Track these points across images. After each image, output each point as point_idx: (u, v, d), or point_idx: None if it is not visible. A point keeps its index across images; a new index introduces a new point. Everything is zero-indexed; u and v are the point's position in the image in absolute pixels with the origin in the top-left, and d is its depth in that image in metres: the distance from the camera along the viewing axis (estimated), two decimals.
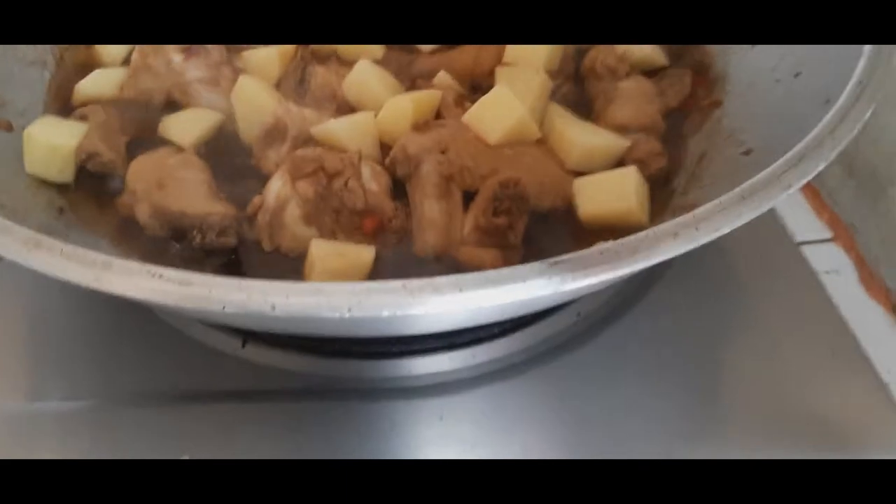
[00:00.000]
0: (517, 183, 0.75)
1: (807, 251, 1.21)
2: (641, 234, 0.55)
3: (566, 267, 0.54)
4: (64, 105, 0.92)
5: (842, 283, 1.17)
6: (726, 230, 0.57)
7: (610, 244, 0.55)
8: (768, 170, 0.60)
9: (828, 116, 0.63)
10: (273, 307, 0.52)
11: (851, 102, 0.65)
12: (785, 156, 0.60)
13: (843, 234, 1.24)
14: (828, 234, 1.25)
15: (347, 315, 0.51)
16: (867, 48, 0.71)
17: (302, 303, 0.52)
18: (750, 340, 0.86)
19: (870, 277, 1.18)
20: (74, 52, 0.98)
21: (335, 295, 0.52)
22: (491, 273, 0.53)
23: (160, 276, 0.53)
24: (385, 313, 0.52)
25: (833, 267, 1.20)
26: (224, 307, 0.52)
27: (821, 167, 0.60)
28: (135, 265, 0.54)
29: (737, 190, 0.58)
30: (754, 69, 0.88)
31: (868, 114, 0.64)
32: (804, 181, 0.59)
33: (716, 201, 0.58)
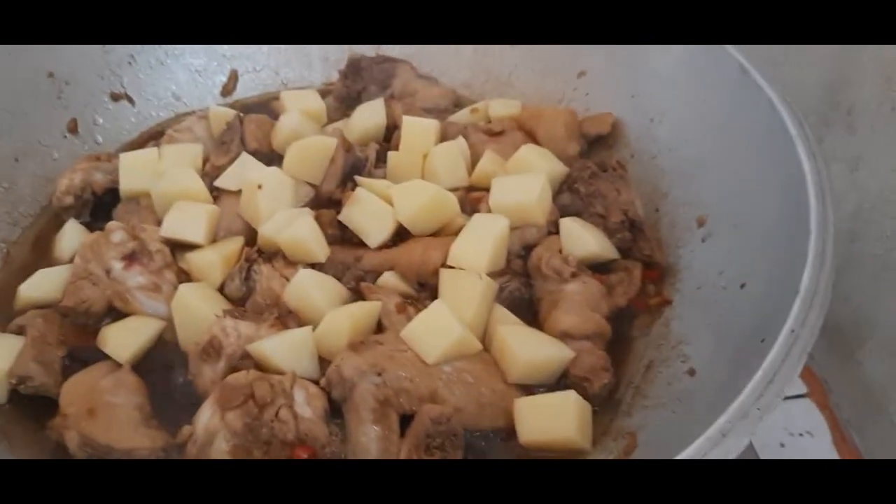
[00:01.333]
0: (449, 419, 0.72)
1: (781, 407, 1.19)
2: None
3: None
4: (4, 310, 0.90)
5: (815, 444, 1.14)
6: None
7: None
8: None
9: (752, 382, 0.60)
10: None
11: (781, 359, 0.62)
12: (708, 431, 0.58)
13: (818, 389, 1.21)
14: (803, 390, 1.22)
15: None
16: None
17: None
18: None
19: (842, 440, 1.15)
20: (22, 246, 0.98)
21: None
22: None
23: None
24: None
25: (807, 428, 1.17)
26: None
27: (741, 448, 0.57)
28: None
29: None
30: (703, 268, 0.86)
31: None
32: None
33: None
